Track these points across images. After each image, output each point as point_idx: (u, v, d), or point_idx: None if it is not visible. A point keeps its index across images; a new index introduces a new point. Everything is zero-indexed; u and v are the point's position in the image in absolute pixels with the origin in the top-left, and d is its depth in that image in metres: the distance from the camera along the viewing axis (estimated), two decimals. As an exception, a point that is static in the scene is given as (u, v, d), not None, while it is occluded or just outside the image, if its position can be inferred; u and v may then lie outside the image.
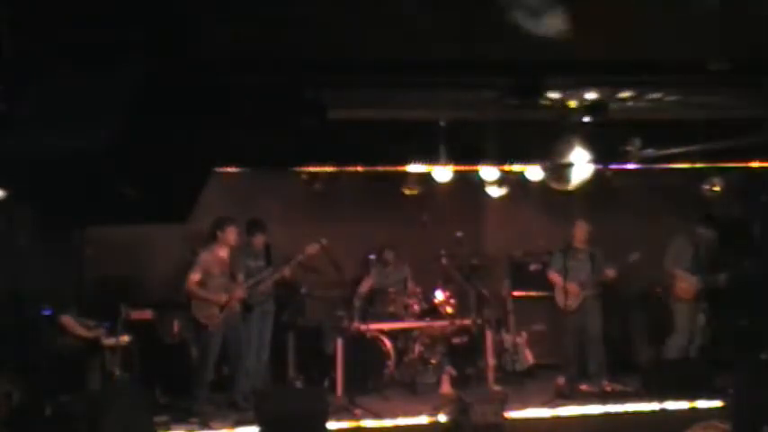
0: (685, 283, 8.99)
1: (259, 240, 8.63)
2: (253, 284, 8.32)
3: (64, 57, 3.41)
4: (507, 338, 9.55)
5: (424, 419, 7.79)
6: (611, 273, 8.82)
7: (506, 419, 7.38)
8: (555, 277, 8.99)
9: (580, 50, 5.13)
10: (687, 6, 4.35)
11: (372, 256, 9.64)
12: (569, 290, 8.71)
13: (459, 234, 9.56)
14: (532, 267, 10.03)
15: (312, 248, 8.53)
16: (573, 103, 6.88)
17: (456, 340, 9.27)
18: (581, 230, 8.96)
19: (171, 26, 3.65)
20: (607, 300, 9.20)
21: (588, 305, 8.89)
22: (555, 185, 7.86)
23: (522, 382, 9.21)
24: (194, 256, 8.16)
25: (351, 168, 9.47)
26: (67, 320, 7.83)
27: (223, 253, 8.09)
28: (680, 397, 8.11)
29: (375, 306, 9.41)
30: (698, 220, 9.15)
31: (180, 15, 3.72)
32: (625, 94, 6.80)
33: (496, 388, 8.79)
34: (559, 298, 8.87)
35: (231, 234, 8.10)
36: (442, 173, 9.01)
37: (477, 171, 9.25)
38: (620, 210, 9.95)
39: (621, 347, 9.67)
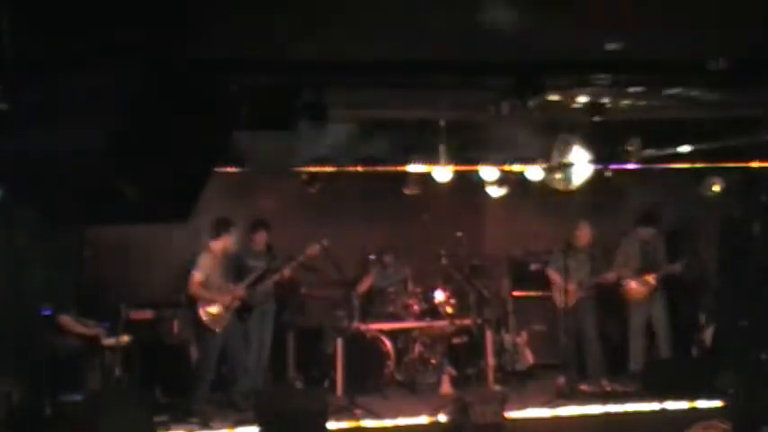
0: (636, 284, 9.08)
1: (261, 239, 8.64)
2: (251, 284, 8.32)
3: (64, 56, 3.40)
4: (507, 338, 9.55)
5: (424, 419, 7.79)
6: (610, 276, 8.88)
7: (506, 419, 7.39)
8: (554, 276, 9.05)
9: (580, 50, 5.13)
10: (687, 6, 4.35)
11: (372, 257, 9.65)
12: (567, 289, 8.75)
13: (459, 234, 9.56)
14: (532, 267, 10.04)
15: (312, 249, 8.53)
16: (573, 103, 6.88)
17: (456, 340, 9.27)
18: (583, 231, 9.00)
19: (171, 26, 3.65)
20: (607, 300, 9.23)
21: (584, 305, 8.93)
22: (555, 185, 7.87)
23: (522, 382, 9.21)
24: (194, 257, 8.16)
25: (351, 168, 9.47)
26: (66, 320, 7.83)
27: (222, 253, 8.09)
28: (680, 397, 8.11)
29: (375, 306, 9.42)
30: (638, 219, 9.24)
31: (180, 15, 3.73)
32: (625, 94, 6.80)
33: (496, 388, 8.80)
34: (557, 297, 8.94)
35: (230, 235, 8.10)
36: (442, 173, 9.02)
37: (477, 171, 9.26)
38: (620, 210, 9.95)
39: (621, 348, 9.66)
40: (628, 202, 9.90)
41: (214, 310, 7.90)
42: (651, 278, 9.10)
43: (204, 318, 7.87)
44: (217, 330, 7.89)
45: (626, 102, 6.98)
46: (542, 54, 5.24)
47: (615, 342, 9.50)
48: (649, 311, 9.18)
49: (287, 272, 8.60)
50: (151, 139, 3.50)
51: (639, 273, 9.16)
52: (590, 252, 9.01)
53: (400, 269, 9.62)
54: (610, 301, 9.38)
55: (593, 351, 8.93)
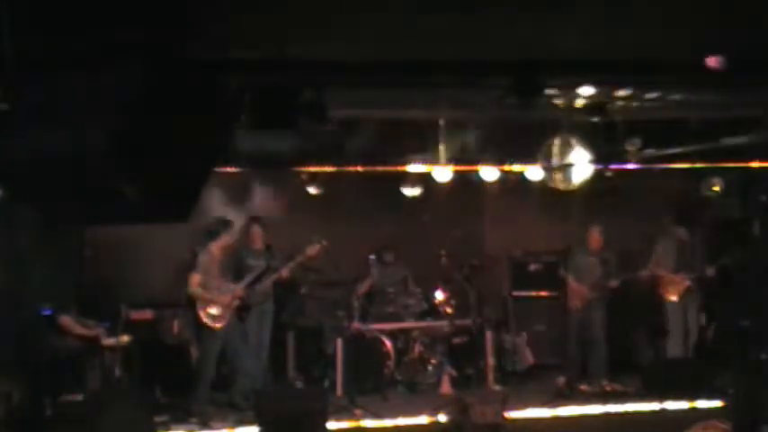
0: (671, 284, 9.06)
1: (257, 234, 8.64)
2: (250, 284, 8.31)
3: (64, 56, 3.41)
4: (507, 338, 9.55)
5: (423, 419, 7.79)
6: (613, 284, 8.90)
7: (506, 419, 7.39)
8: (566, 277, 9.01)
9: (580, 50, 5.14)
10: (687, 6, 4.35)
11: (372, 257, 9.64)
12: (578, 291, 8.76)
13: (458, 233, 9.55)
14: (532, 267, 10.04)
15: (312, 249, 8.53)
16: (573, 103, 6.88)
17: (456, 340, 9.27)
18: (594, 235, 9.01)
19: (171, 26, 3.65)
20: (609, 301, 9.23)
21: (594, 307, 8.93)
22: (555, 185, 7.87)
23: (523, 382, 9.21)
24: (193, 257, 8.16)
25: (351, 168, 9.47)
26: (66, 321, 7.83)
27: (221, 253, 8.09)
28: (680, 397, 8.11)
29: (375, 306, 9.41)
30: (673, 220, 9.23)
31: (180, 15, 3.73)
32: (625, 94, 6.80)
33: (496, 388, 8.80)
34: (569, 299, 8.92)
35: (228, 234, 8.10)
36: (442, 173, 9.02)
37: (477, 171, 9.26)
38: (621, 210, 9.95)
39: (622, 347, 9.67)
40: (631, 201, 9.91)
41: (214, 310, 7.90)
42: (685, 279, 9.07)
43: (204, 318, 7.87)
44: (217, 330, 7.89)
45: (626, 102, 6.98)
46: (542, 54, 5.24)
47: (619, 343, 9.50)
48: (685, 311, 9.16)
49: (285, 272, 8.60)
50: (151, 139, 3.50)
51: (674, 272, 9.13)
52: (602, 255, 9.01)
53: (400, 269, 9.62)
54: (615, 301, 9.36)
55: (597, 352, 8.93)
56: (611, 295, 9.13)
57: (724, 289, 9.38)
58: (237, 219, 8.47)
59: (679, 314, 9.15)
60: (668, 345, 9.21)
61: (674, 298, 9.14)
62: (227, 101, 5.22)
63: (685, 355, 9.15)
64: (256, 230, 8.66)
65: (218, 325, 7.88)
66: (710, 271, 9.10)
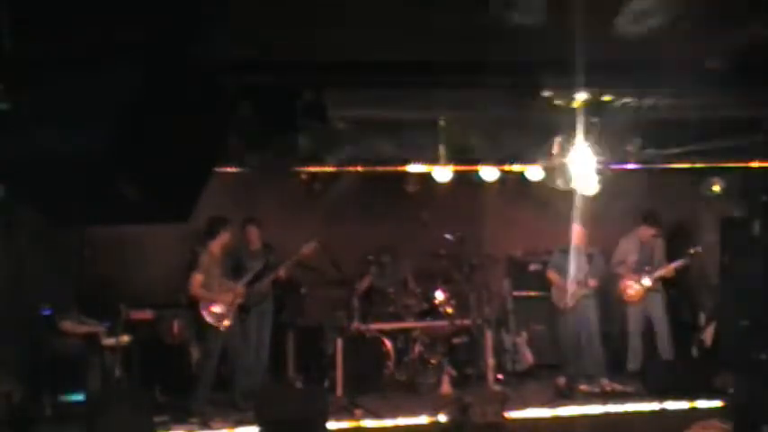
0: (632, 284, 9.06)
1: (253, 235, 8.64)
2: (247, 284, 8.31)
3: (64, 56, 3.41)
4: (507, 338, 9.55)
5: (424, 419, 7.79)
6: (592, 282, 8.90)
7: (506, 419, 7.39)
8: (553, 276, 9.05)
9: (579, 50, 5.14)
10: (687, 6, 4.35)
11: (370, 257, 9.64)
12: (566, 289, 8.77)
13: (447, 236, 9.52)
14: (532, 267, 10.04)
15: (308, 248, 8.55)
16: (573, 103, 6.88)
17: (456, 340, 9.27)
18: (577, 232, 8.99)
19: (171, 26, 3.65)
20: (605, 300, 9.24)
21: (584, 305, 8.92)
22: (555, 185, 7.87)
23: (522, 382, 9.21)
24: (193, 257, 8.16)
25: (351, 168, 9.47)
26: (67, 325, 7.84)
27: (221, 252, 8.10)
28: (680, 397, 8.11)
29: (375, 306, 9.41)
30: (639, 219, 9.22)
31: (180, 15, 3.73)
32: (625, 95, 6.79)
33: (496, 388, 8.80)
34: (556, 297, 8.95)
35: (227, 234, 8.11)
36: (442, 173, 9.02)
37: (477, 171, 9.26)
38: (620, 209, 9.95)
39: (621, 348, 9.67)
40: (628, 201, 9.90)
41: (218, 309, 7.91)
42: (647, 279, 9.07)
43: (208, 317, 7.87)
44: (222, 329, 7.90)
45: (626, 102, 6.97)
46: (542, 54, 5.24)
47: (615, 342, 9.51)
48: (647, 312, 9.17)
49: (282, 271, 8.60)
50: (151, 138, 3.50)
51: (636, 272, 9.14)
52: (588, 252, 9.01)
53: (398, 269, 9.61)
54: (610, 300, 9.38)
55: (593, 351, 8.93)
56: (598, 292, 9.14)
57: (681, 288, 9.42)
58: (235, 219, 8.47)
59: (639, 316, 9.15)
60: (631, 350, 9.19)
61: (632, 298, 9.12)
62: (228, 101, 5.23)
63: (653, 355, 9.13)
64: (253, 231, 8.68)
65: (222, 324, 7.88)
66: (670, 270, 9.10)
